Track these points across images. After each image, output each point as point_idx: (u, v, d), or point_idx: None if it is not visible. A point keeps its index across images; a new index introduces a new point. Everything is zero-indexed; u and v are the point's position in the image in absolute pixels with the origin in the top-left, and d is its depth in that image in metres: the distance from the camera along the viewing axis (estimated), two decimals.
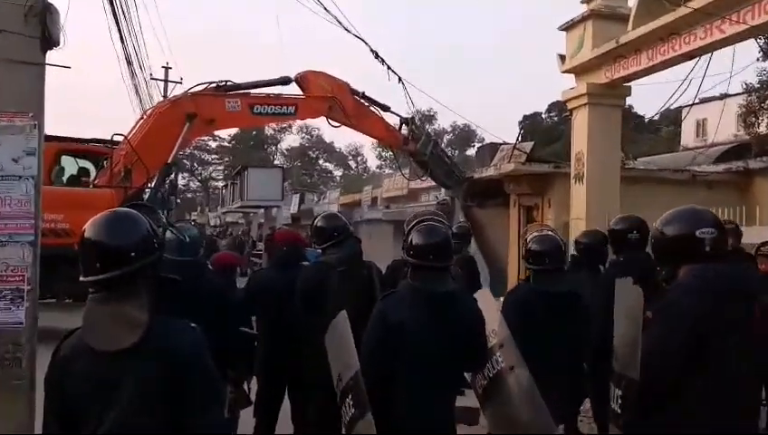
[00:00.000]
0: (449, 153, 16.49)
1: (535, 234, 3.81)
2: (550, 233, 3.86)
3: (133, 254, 1.88)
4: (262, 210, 28.91)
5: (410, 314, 2.76)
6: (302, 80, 10.90)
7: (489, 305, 3.37)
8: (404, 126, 12.14)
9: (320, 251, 4.11)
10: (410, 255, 2.89)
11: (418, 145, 12.02)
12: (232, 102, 10.24)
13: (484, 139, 47.55)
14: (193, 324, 1.94)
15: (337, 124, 11.15)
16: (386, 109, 11.72)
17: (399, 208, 20.86)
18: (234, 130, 58.85)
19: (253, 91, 10.58)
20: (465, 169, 14.86)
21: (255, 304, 4.27)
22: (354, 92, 11.31)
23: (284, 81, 10.84)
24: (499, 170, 11.75)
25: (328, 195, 29.72)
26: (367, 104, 11.45)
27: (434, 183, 13.53)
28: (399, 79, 11.69)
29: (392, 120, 11.94)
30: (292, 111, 10.83)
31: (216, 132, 53.39)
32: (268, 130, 60.20)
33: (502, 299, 3.92)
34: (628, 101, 10.16)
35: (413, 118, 12.45)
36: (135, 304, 1.87)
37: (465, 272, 5.33)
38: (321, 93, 10.88)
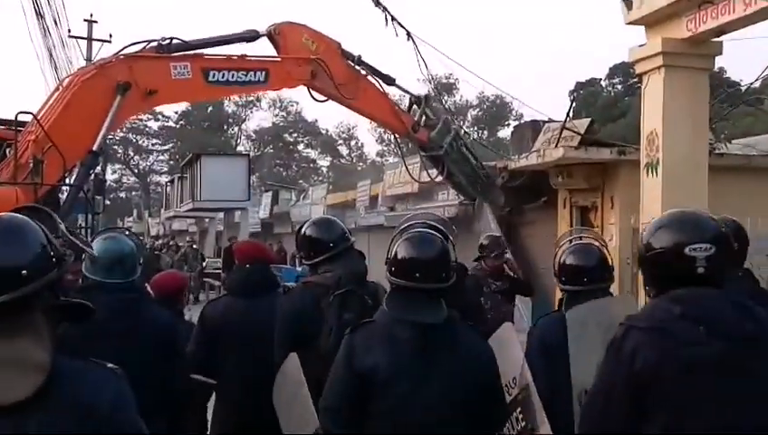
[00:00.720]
0: (475, 135, 16.49)
1: (570, 243, 3.89)
2: (592, 242, 3.94)
3: (25, 272, 1.85)
4: (221, 215, 28.97)
5: (386, 356, 2.77)
6: (276, 35, 10.78)
7: (510, 345, 3.39)
8: (414, 107, 12.06)
9: (300, 270, 4.19)
10: (391, 272, 2.97)
11: (433, 133, 11.86)
12: (179, 67, 10.22)
13: (522, 115, 47.76)
14: (116, 369, 1.94)
15: (322, 98, 11.08)
16: (390, 82, 11.68)
17: (408, 210, 20.84)
18: (182, 106, 59.13)
19: (207, 51, 10.56)
20: (498, 156, 14.88)
21: (212, 345, 4.28)
22: (348, 56, 11.24)
23: (251, 36, 10.76)
24: (543, 158, 11.76)
25: (311, 193, 29.76)
26: (364, 73, 11.39)
27: None
28: (408, 35, 11.70)
29: (397, 98, 12.02)
30: (262, 79, 10.76)
31: (158, 108, 53.90)
32: (229, 106, 60.47)
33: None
34: (719, 62, 10.15)
35: (427, 95, 12.37)
36: (31, 341, 1.84)
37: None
38: (301, 54, 10.85)
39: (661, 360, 2.32)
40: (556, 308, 4.01)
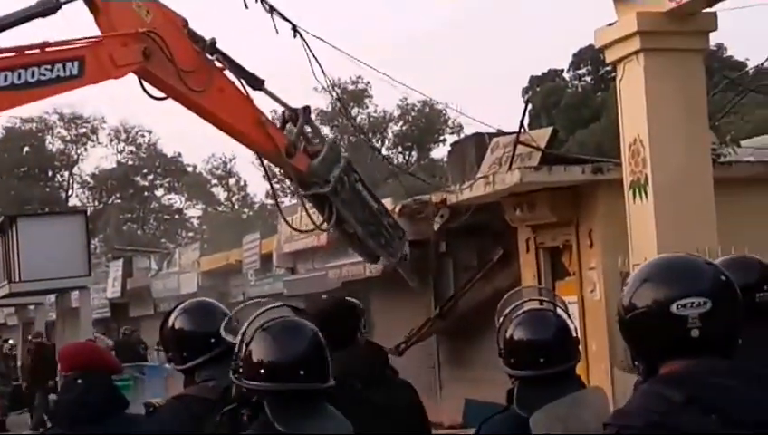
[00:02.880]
0: (400, 158, 16.53)
1: (520, 309, 4.00)
2: (547, 308, 4.08)
3: None
4: (52, 298, 28.29)
5: None
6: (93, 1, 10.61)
7: None
8: (288, 125, 11.83)
9: (169, 367, 4.27)
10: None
11: (315, 161, 11.53)
12: None
13: (461, 127, 48.23)
14: None
15: (161, 95, 10.89)
16: (256, 84, 11.62)
17: (315, 272, 20.82)
18: None
19: None
20: (432, 186, 14.96)
21: None
22: (195, 38, 11.11)
23: (50, 6, 10.55)
24: (494, 186, 11.87)
25: (178, 256, 29.47)
26: (221, 66, 11.28)
27: None
28: (294, 29, 11.73)
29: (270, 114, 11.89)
30: (75, 72, 10.53)
31: None
32: (52, 143, 59.49)
33: None
34: (714, 38, 10.44)
35: (306, 107, 12.15)
36: None
37: None
38: (131, 26, 10.65)
39: None
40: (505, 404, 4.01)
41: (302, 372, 3.06)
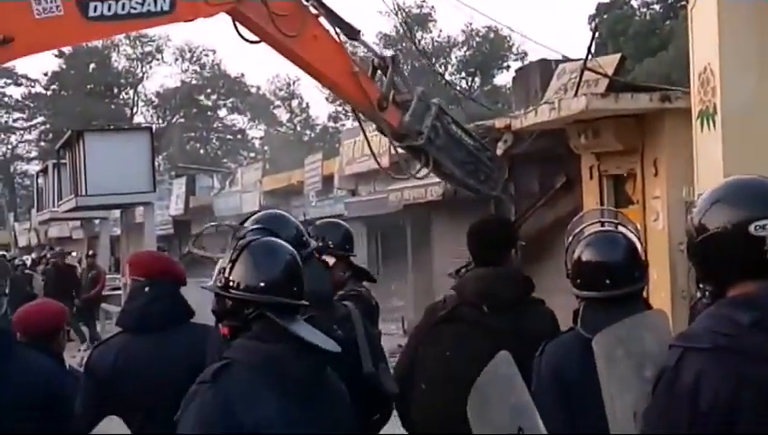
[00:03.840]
0: (463, 84, 16.42)
1: (588, 231, 4.02)
2: (617, 230, 4.07)
3: None
4: (116, 214, 28.68)
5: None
6: None
7: (511, 382, 3.42)
8: (378, 73, 11.72)
9: None
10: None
11: (406, 116, 11.47)
12: (45, 1, 10.09)
13: (526, 54, 47.87)
14: None
15: (255, 39, 10.96)
16: (353, 34, 11.59)
17: (376, 195, 20.89)
18: (53, 62, 58.54)
19: None
20: (496, 111, 14.88)
21: (105, 405, 4.17)
22: None
23: None
24: (559, 112, 11.80)
25: (240, 176, 29.74)
26: (316, 13, 11.26)
27: None
28: None
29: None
30: (166, 7, 10.60)
31: (18, 65, 53.06)
32: (118, 61, 60.00)
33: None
34: None
35: (395, 56, 12.05)
36: None
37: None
38: None
39: (736, 390, 2.31)
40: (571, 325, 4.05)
41: (295, 289, 3.29)
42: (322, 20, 11.21)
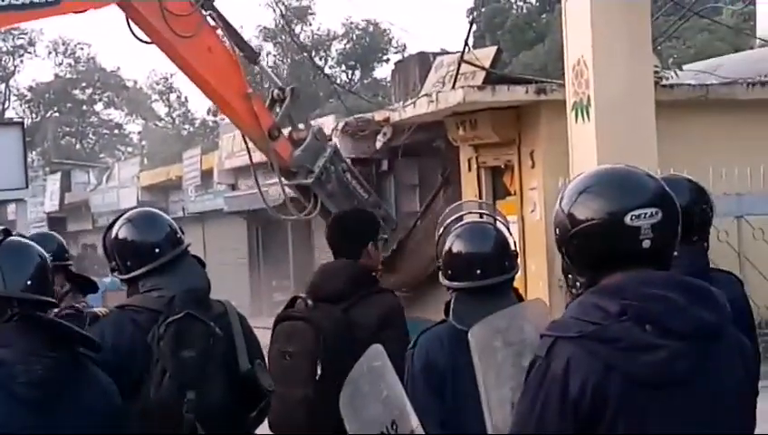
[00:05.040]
0: (343, 77, 16.31)
1: (459, 222, 4.04)
2: (485, 221, 4.14)
3: None
4: None
5: None
6: None
7: (383, 372, 3.42)
8: (276, 105, 11.16)
9: (108, 280, 4.15)
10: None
11: (297, 151, 10.96)
12: None
13: (405, 47, 48.10)
14: None
15: (146, 39, 10.60)
16: (252, 58, 11.26)
17: (256, 189, 20.65)
18: None
19: None
20: (375, 104, 14.89)
21: None
22: None
23: None
24: (437, 104, 11.86)
25: (117, 171, 29.16)
26: (214, 25, 10.93)
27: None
28: None
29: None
30: None
31: None
32: None
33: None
34: None
35: (294, 89, 11.41)
36: None
37: None
38: None
39: (604, 378, 2.33)
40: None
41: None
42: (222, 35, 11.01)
